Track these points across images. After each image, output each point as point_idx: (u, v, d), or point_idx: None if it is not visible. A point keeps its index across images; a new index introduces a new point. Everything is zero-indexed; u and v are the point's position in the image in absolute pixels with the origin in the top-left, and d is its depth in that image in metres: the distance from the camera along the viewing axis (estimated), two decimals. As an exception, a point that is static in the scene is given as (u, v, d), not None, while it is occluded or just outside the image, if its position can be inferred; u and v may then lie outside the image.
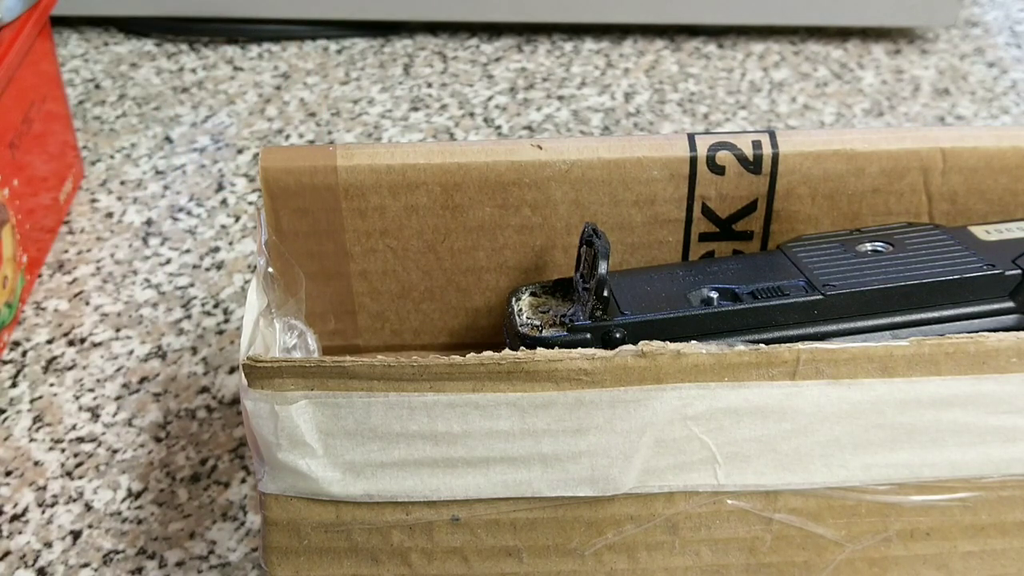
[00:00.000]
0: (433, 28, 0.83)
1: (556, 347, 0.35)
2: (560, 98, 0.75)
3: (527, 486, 0.35)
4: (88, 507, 0.47)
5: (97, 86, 0.76)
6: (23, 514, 0.47)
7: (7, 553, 0.45)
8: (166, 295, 0.59)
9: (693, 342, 0.34)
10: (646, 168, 0.45)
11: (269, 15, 0.79)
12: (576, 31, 0.82)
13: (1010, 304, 0.40)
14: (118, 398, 0.52)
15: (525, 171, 0.45)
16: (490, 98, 0.75)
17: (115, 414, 0.52)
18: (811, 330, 0.39)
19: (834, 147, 0.45)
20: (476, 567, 0.37)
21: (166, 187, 0.67)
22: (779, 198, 0.46)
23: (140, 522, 0.46)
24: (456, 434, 0.35)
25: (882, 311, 0.39)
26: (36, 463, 0.49)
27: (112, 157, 0.69)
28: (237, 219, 0.64)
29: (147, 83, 0.77)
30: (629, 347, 0.34)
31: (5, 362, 0.55)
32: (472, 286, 0.48)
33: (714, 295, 0.40)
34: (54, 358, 0.55)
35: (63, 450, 0.50)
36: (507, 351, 0.34)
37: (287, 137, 0.71)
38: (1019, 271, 0.39)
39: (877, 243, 0.42)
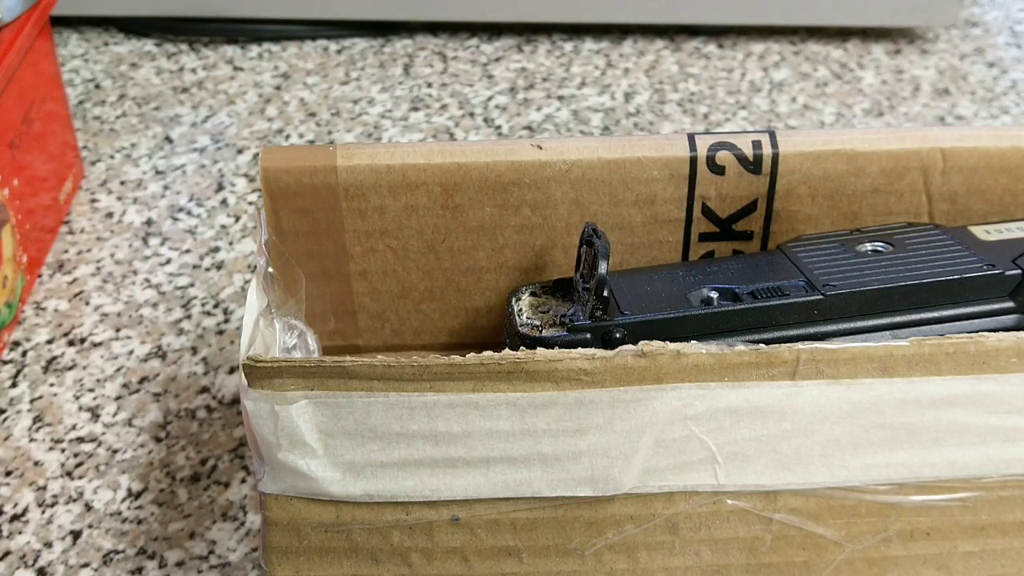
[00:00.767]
0: (433, 28, 0.83)
1: (556, 347, 0.35)
2: (560, 98, 0.75)
3: (527, 486, 0.35)
4: (88, 507, 0.47)
5: (97, 86, 0.76)
6: (23, 514, 0.47)
7: (7, 553, 0.45)
8: (166, 295, 0.59)
9: (693, 342, 0.34)
10: (646, 168, 0.45)
11: (269, 15, 0.79)
12: (576, 31, 0.82)
13: (1010, 304, 0.40)
14: (118, 398, 0.52)
15: (525, 171, 0.45)
16: (490, 98, 0.75)
17: (115, 414, 0.52)
18: (811, 330, 0.39)
19: (834, 147, 0.45)
20: (476, 567, 0.37)
21: (166, 187, 0.67)
22: (779, 198, 0.46)
23: (140, 522, 0.46)
24: (456, 434, 0.35)
25: (882, 311, 0.39)
26: (36, 463, 0.49)
27: (112, 157, 0.69)
28: (237, 219, 0.64)
29: (147, 83, 0.77)
30: (629, 347, 0.34)
31: (5, 362, 0.55)
32: (472, 286, 0.48)
33: (714, 295, 0.40)
34: (54, 358, 0.55)
35: (63, 450, 0.50)
36: (507, 351, 0.34)
37: (287, 137, 0.71)
38: (1019, 271, 0.39)
39: (877, 243, 0.42)
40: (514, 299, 0.44)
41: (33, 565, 0.45)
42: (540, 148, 0.45)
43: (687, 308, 0.40)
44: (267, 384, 0.34)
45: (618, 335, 0.39)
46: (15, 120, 0.57)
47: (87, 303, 0.58)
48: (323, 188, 0.45)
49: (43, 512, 0.47)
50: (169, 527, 0.46)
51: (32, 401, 0.52)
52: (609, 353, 0.34)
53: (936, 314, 0.40)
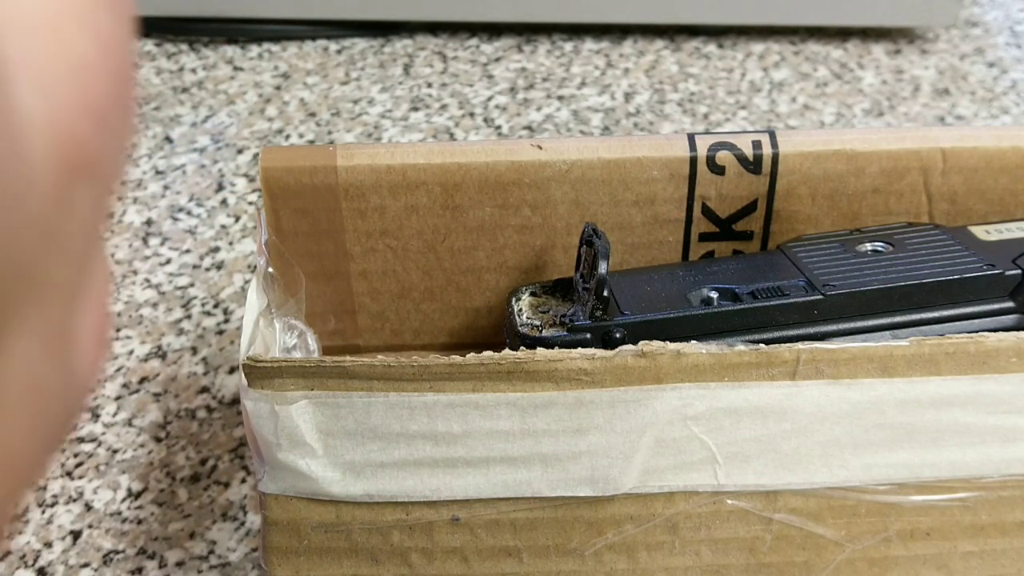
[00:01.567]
0: (433, 28, 0.83)
1: (556, 347, 0.35)
2: (560, 98, 0.75)
3: (527, 486, 0.35)
4: (88, 507, 0.47)
5: (97, 86, 0.76)
6: (23, 514, 0.47)
7: (7, 553, 0.45)
8: (166, 295, 0.59)
9: (693, 342, 0.34)
10: (646, 168, 0.45)
11: (269, 15, 0.79)
12: (576, 31, 0.82)
13: (1010, 304, 0.40)
14: (118, 398, 0.52)
15: (525, 171, 0.45)
16: (490, 98, 0.75)
17: (115, 414, 0.52)
18: (811, 330, 0.39)
19: (834, 147, 0.45)
20: (476, 567, 0.37)
21: (166, 187, 0.67)
22: (779, 198, 0.46)
23: (140, 522, 0.46)
24: (456, 434, 0.35)
25: (882, 311, 0.39)
26: (36, 463, 0.49)
27: (112, 157, 0.69)
28: (237, 219, 0.64)
29: (147, 83, 0.77)
30: (629, 347, 0.34)
31: (5, 362, 0.54)
32: (472, 286, 0.48)
33: (714, 295, 0.40)
34: (54, 358, 0.55)
35: (63, 450, 0.50)
36: (507, 351, 0.34)
37: (287, 137, 0.71)
38: (1019, 271, 0.39)
39: (877, 243, 0.42)
40: (514, 299, 0.44)
41: (33, 565, 0.45)
42: (540, 148, 0.45)
43: (687, 308, 0.40)
44: (267, 384, 0.34)
45: (618, 335, 0.39)
46: (15, 120, 0.57)
47: (87, 303, 0.58)
48: (323, 188, 0.45)
49: (43, 512, 0.47)
50: (169, 527, 0.46)
51: (32, 401, 0.52)
52: (609, 353, 0.34)
53: (936, 314, 0.40)
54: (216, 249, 0.62)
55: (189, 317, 0.57)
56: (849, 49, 0.80)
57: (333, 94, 0.75)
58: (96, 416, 0.51)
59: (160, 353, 0.55)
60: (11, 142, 0.13)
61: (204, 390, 0.53)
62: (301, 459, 0.35)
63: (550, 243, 0.47)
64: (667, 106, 0.74)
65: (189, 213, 0.64)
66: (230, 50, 0.80)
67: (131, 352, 0.55)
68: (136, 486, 0.48)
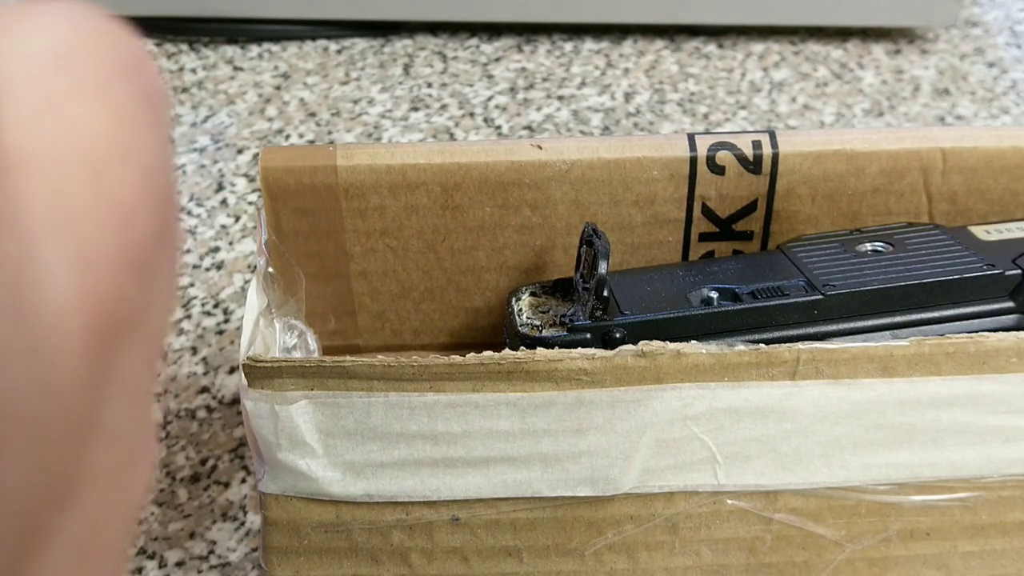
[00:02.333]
0: (433, 28, 0.83)
1: (556, 347, 0.35)
2: (560, 98, 0.75)
3: (527, 486, 0.35)
4: (88, 507, 0.47)
5: (97, 86, 0.76)
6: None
7: (7, 553, 0.45)
8: (166, 295, 0.58)
9: (693, 342, 0.34)
10: (646, 168, 0.45)
11: (269, 15, 0.79)
12: (576, 31, 0.82)
13: (1010, 304, 0.40)
14: (118, 398, 0.52)
15: (525, 171, 0.45)
16: (490, 98, 0.75)
17: (115, 414, 0.52)
18: (811, 330, 0.39)
19: (834, 147, 0.45)
20: (476, 567, 0.37)
21: (166, 187, 0.67)
22: (779, 198, 0.46)
23: (140, 522, 0.46)
24: (456, 434, 0.35)
25: (882, 311, 0.39)
26: (36, 463, 0.49)
27: (112, 157, 0.69)
28: (237, 219, 0.64)
29: (147, 83, 0.76)
30: (629, 347, 0.34)
31: (5, 362, 0.54)
32: (472, 286, 0.48)
33: (714, 295, 0.40)
34: (54, 358, 0.55)
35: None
36: (507, 351, 0.34)
37: (287, 137, 0.71)
38: (1019, 271, 0.39)
39: (877, 243, 0.42)
40: (514, 299, 0.44)
41: (33, 565, 0.45)
42: (540, 148, 0.45)
43: (687, 308, 0.40)
44: (267, 384, 0.34)
45: (618, 335, 0.39)
46: (15, 120, 0.57)
47: (87, 303, 0.58)
48: (323, 188, 0.45)
49: (43, 512, 0.47)
50: (169, 527, 0.46)
51: (32, 401, 0.52)
52: (609, 353, 0.34)
53: (936, 314, 0.40)
54: (216, 249, 0.62)
55: (189, 317, 0.57)
56: (849, 49, 0.80)
57: (333, 94, 0.75)
58: (96, 416, 0.51)
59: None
60: (27, 330, 0.11)
61: (204, 390, 0.53)
62: (301, 459, 0.35)
63: (550, 243, 0.47)
64: (667, 106, 0.74)
65: (189, 213, 0.64)
66: (230, 50, 0.80)
67: (131, 352, 0.55)
68: (136, 486, 0.48)
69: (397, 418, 0.35)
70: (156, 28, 0.81)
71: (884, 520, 0.37)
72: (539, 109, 0.74)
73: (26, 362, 0.10)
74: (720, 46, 0.81)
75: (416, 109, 0.74)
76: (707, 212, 0.46)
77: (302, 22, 0.80)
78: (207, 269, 0.60)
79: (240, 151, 0.70)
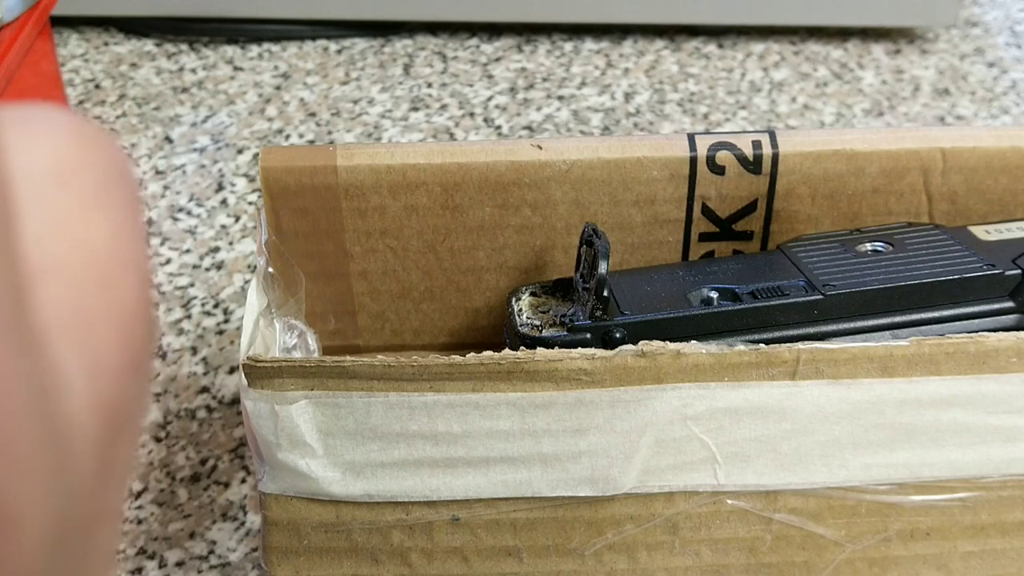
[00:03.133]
0: (433, 28, 0.83)
1: (556, 347, 0.35)
2: (560, 98, 0.75)
3: (527, 486, 0.35)
4: (88, 507, 0.47)
5: (97, 86, 0.76)
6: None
7: (7, 553, 0.45)
8: (166, 295, 0.59)
9: (693, 342, 0.34)
10: (646, 168, 0.45)
11: (269, 15, 0.79)
12: (576, 31, 0.82)
13: (1010, 304, 0.40)
14: (118, 398, 0.52)
15: (525, 171, 0.45)
16: (490, 98, 0.75)
17: (115, 414, 0.52)
18: (811, 330, 0.39)
19: (834, 147, 0.45)
20: (476, 567, 0.37)
21: (166, 187, 0.67)
22: (779, 198, 0.46)
23: (140, 522, 0.46)
24: (456, 434, 0.35)
25: (882, 311, 0.39)
26: (36, 463, 0.49)
27: (112, 157, 0.69)
28: (237, 219, 0.64)
29: (147, 83, 0.77)
30: (629, 347, 0.34)
31: (5, 362, 0.54)
32: (472, 286, 0.48)
33: (714, 295, 0.40)
34: (54, 358, 0.55)
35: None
36: (507, 351, 0.34)
37: (287, 137, 0.71)
38: (1019, 271, 0.39)
39: (877, 243, 0.42)
40: (514, 299, 0.44)
41: (33, 565, 0.45)
42: (540, 148, 0.45)
43: (687, 308, 0.40)
44: (267, 384, 0.34)
45: (618, 335, 0.39)
46: (15, 120, 0.57)
47: (87, 303, 0.58)
48: (323, 188, 0.45)
49: (43, 512, 0.47)
50: (169, 527, 0.46)
51: (32, 401, 0.52)
52: (609, 353, 0.34)
53: (936, 314, 0.40)
54: (216, 249, 0.62)
55: (189, 317, 0.57)
56: (849, 49, 0.80)
57: (333, 94, 0.75)
58: (96, 416, 0.51)
59: (160, 353, 0.55)
60: (54, 437, 0.11)
61: (204, 390, 0.53)
62: (301, 459, 0.35)
63: (550, 243, 0.47)
64: (667, 106, 0.74)
65: (189, 213, 0.64)
66: (230, 50, 0.80)
67: (131, 352, 0.55)
68: (136, 486, 0.48)
69: (397, 418, 0.35)
70: (156, 28, 0.81)
71: (884, 520, 0.37)
72: (539, 109, 0.74)
73: (54, 466, 0.11)
74: (720, 46, 0.81)
75: (416, 109, 0.74)
76: (707, 212, 0.46)
77: (302, 22, 0.80)
78: (207, 269, 0.60)
79: (240, 151, 0.70)
